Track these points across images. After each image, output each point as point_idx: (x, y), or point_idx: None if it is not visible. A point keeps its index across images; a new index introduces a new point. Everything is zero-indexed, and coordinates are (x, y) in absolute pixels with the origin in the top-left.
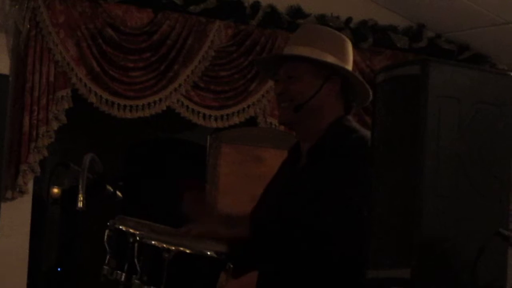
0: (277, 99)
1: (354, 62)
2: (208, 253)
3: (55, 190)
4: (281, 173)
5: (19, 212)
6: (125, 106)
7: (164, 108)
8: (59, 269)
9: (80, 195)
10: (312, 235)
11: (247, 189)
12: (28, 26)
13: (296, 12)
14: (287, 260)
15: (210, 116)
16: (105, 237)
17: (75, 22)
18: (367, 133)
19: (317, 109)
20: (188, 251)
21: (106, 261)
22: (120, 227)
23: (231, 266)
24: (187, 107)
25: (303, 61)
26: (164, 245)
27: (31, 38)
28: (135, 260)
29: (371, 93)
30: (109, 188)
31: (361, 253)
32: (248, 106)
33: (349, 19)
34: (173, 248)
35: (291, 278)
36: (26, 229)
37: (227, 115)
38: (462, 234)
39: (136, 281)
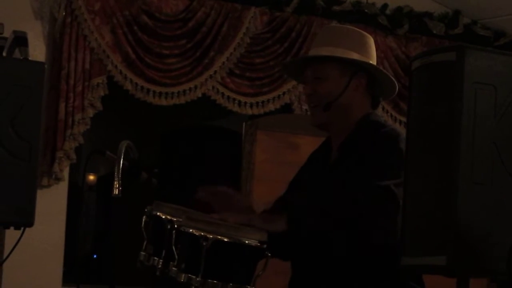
0: (307, 100)
1: (390, 48)
2: (246, 241)
3: (91, 177)
4: (310, 168)
5: (55, 199)
6: (160, 93)
7: (200, 95)
8: (95, 255)
9: (115, 182)
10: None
11: (283, 176)
12: (64, 13)
13: None
14: (332, 249)
15: (245, 103)
16: (142, 223)
17: (110, 9)
18: (396, 128)
19: (346, 106)
20: (226, 239)
21: (143, 247)
22: (158, 213)
23: (269, 254)
24: (223, 94)
25: (328, 60)
26: (202, 233)
27: (66, 25)
28: (173, 247)
29: (396, 86)
30: (145, 175)
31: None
32: (284, 93)
33: (384, 6)
34: (211, 236)
35: (338, 266)
36: (62, 216)
37: (263, 102)
38: (498, 221)
39: (174, 268)
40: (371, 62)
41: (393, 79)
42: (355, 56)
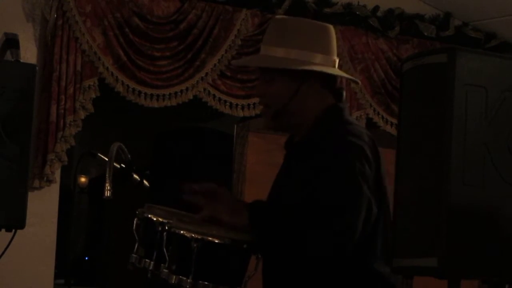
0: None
1: (381, 50)
2: (237, 243)
3: (82, 179)
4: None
5: (47, 201)
6: (152, 95)
7: (191, 97)
8: (86, 258)
9: (107, 184)
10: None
11: (274, 178)
12: (55, 15)
13: (323, 1)
14: (286, 246)
15: (236, 105)
16: (134, 225)
17: (101, 11)
18: (356, 129)
19: (298, 110)
20: (217, 240)
21: (135, 250)
22: (149, 216)
23: (260, 255)
24: (214, 96)
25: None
26: (193, 235)
27: (58, 28)
28: (164, 249)
29: (357, 80)
30: (136, 177)
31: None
32: None
33: (376, 8)
34: (202, 237)
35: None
36: (54, 218)
37: (254, 104)
38: (489, 222)
39: (165, 270)
40: (332, 58)
41: (350, 77)
42: (317, 58)
